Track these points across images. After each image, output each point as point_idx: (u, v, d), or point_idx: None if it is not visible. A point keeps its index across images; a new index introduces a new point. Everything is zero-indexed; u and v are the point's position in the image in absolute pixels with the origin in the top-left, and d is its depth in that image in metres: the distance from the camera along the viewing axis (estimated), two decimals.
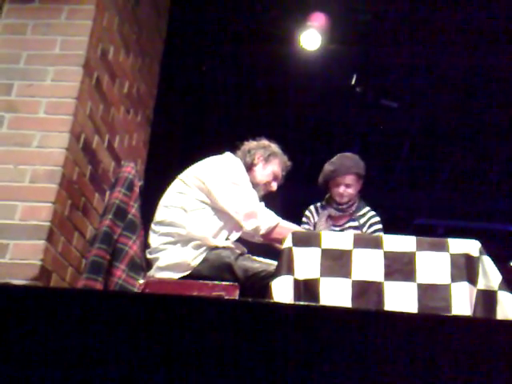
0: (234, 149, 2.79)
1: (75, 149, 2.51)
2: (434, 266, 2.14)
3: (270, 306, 1.68)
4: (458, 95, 5.49)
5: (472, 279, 2.12)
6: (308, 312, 1.55)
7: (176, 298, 1.69)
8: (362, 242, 2.19)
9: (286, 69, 5.18)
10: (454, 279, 2.12)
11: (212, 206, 2.56)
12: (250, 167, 2.72)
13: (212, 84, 5.38)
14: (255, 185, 2.69)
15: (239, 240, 2.65)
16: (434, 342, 1.45)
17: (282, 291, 2.09)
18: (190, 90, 5.17)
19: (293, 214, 2.96)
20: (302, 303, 2.03)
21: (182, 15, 4.24)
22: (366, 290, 2.10)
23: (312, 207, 3.02)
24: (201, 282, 2.40)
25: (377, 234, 2.80)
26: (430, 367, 1.44)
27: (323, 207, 2.99)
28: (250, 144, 2.79)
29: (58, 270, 2.42)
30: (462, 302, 2.08)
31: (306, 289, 2.12)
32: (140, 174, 3.01)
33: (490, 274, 2.11)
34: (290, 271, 2.14)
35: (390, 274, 2.13)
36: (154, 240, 2.56)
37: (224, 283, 2.37)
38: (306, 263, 2.15)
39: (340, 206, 2.92)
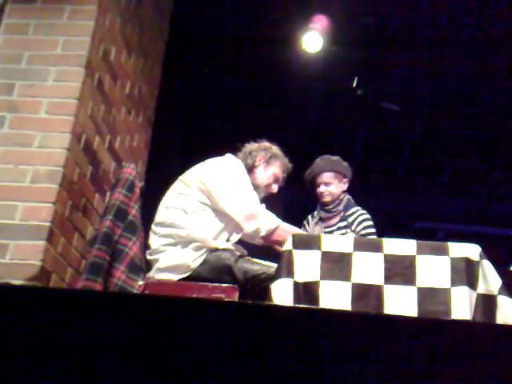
0: (235, 150, 2.79)
1: (76, 149, 2.51)
2: (434, 269, 2.14)
3: (269, 308, 1.68)
4: (459, 99, 5.49)
5: (472, 283, 2.12)
6: (307, 315, 1.55)
7: (175, 300, 1.69)
8: (362, 245, 2.19)
9: (288, 71, 5.18)
10: (453, 283, 2.12)
11: (212, 208, 2.56)
12: (251, 169, 2.72)
13: (213, 86, 5.38)
14: (256, 187, 2.69)
15: (239, 242, 2.65)
16: (434, 346, 1.45)
17: (282, 294, 2.09)
18: (191, 91, 5.17)
19: (293, 216, 2.96)
20: (301, 306, 2.03)
21: (184, 17, 4.25)
22: (366, 293, 2.10)
23: (309, 216, 3.07)
24: (200, 283, 2.39)
25: (367, 230, 2.82)
26: (429, 371, 1.44)
27: (316, 211, 3.03)
28: (251, 146, 2.79)
29: (58, 271, 2.42)
30: (462, 307, 2.08)
31: (306, 291, 2.11)
32: (141, 175, 3.01)
33: (489, 279, 2.11)
34: (290, 274, 2.14)
35: (389, 278, 2.12)
36: (154, 241, 2.55)
37: (224, 285, 2.36)
38: (306, 266, 2.15)
39: (326, 207, 2.95)
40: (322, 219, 2.97)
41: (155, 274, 2.51)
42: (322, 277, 2.13)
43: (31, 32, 2.62)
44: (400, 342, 1.46)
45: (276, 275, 2.17)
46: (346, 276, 2.13)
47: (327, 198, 2.94)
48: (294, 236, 2.25)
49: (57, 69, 2.55)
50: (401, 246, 2.19)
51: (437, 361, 1.44)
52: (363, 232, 2.82)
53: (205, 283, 2.38)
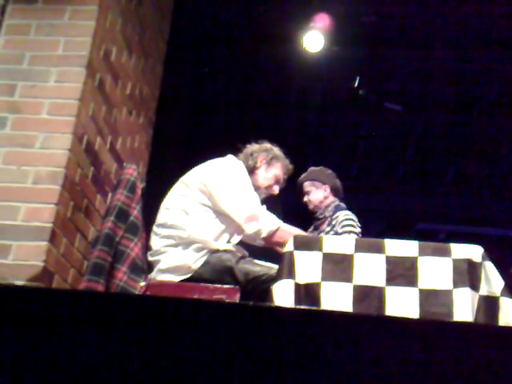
0: (236, 151, 2.78)
1: (78, 150, 2.51)
2: (435, 271, 2.13)
3: (270, 309, 1.68)
4: (461, 99, 5.48)
5: (474, 285, 2.11)
6: (309, 316, 1.54)
7: (177, 301, 1.68)
8: (364, 246, 2.19)
9: (289, 71, 5.17)
10: (456, 285, 2.11)
11: (213, 209, 2.56)
12: (252, 170, 2.72)
13: (214, 86, 5.38)
14: (257, 188, 2.68)
15: (240, 243, 2.65)
16: (435, 347, 1.45)
17: (283, 295, 2.09)
18: (193, 91, 5.17)
19: (294, 217, 2.96)
20: (302, 307, 2.03)
21: (185, 17, 4.24)
22: (368, 295, 2.09)
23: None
24: (202, 284, 2.39)
25: (345, 229, 2.94)
26: (430, 373, 1.44)
27: None
28: (253, 147, 2.79)
29: (60, 272, 2.42)
30: (464, 308, 2.07)
31: (307, 293, 2.11)
32: (142, 176, 3.01)
33: (492, 280, 2.10)
34: (291, 275, 2.14)
35: (391, 279, 2.12)
36: (155, 242, 2.55)
37: (225, 286, 2.36)
38: (307, 267, 2.15)
39: (314, 215, 3.16)
40: (315, 227, 3.13)
41: (157, 275, 2.51)
42: (324, 278, 2.12)
43: (32, 33, 2.62)
44: (402, 344, 1.46)
45: (277, 276, 2.16)
46: (347, 277, 2.12)
47: (310, 206, 3.17)
48: (295, 237, 2.24)
49: (58, 69, 2.55)
50: (403, 248, 2.18)
51: (438, 363, 1.44)
52: (341, 231, 2.92)
53: (206, 284, 2.38)
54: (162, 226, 2.55)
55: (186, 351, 1.44)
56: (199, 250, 2.48)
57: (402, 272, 2.13)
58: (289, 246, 2.20)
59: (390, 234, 2.88)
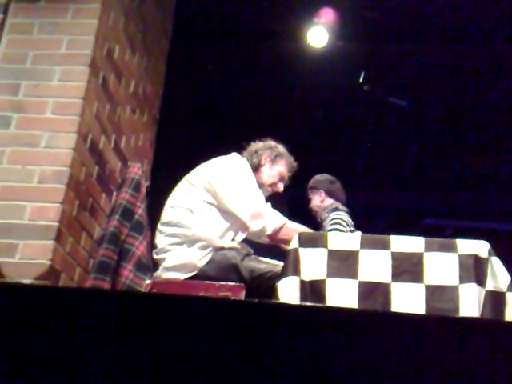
0: (240, 149, 2.78)
1: (82, 149, 2.51)
2: (442, 267, 2.12)
3: (276, 306, 1.67)
4: (467, 94, 5.45)
5: (480, 280, 2.10)
6: (314, 313, 1.54)
7: (182, 299, 1.69)
8: (369, 242, 2.18)
9: (293, 66, 5.15)
10: (462, 280, 2.10)
11: (218, 207, 2.56)
12: (256, 168, 2.72)
13: (218, 83, 5.37)
14: (261, 186, 2.68)
15: (245, 241, 2.65)
16: (441, 343, 1.44)
17: (288, 292, 2.09)
18: (196, 88, 5.17)
19: (299, 215, 2.96)
20: (308, 304, 2.02)
21: (187, 14, 4.24)
22: (373, 291, 2.09)
23: None
24: (207, 282, 2.39)
25: (332, 227, 3.10)
26: (437, 369, 1.43)
27: None
28: (257, 145, 2.79)
29: (67, 270, 2.43)
30: (470, 304, 2.06)
31: (313, 290, 2.11)
32: (146, 174, 3.01)
33: (498, 275, 2.09)
34: (297, 272, 2.13)
35: (397, 275, 2.11)
36: (160, 240, 2.56)
37: (230, 284, 2.36)
38: (313, 264, 2.14)
39: (316, 218, 3.38)
40: (316, 230, 3.24)
41: (162, 273, 2.51)
42: (329, 275, 2.12)
43: (35, 32, 2.62)
44: (408, 340, 1.45)
45: (282, 273, 2.16)
46: (352, 274, 2.12)
47: (312, 212, 3.41)
48: (300, 234, 2.24)
49: (62, 68, 2.56)
50: (408, 244, 2.18)
51: (445, 358, 1.43)
52: (327, 229, 3.09)
53: (211, 282, 2.38)
54: (167, 224, 2.56)
55: (192, 348, 1.44)
56: (204, 247, 2.49)
57: (407, 268, 2.12)
58: (294, 243, 2.20)
59: (395, 230, 2.87)
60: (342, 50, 4.83)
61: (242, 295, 2.32)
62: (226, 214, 2.55)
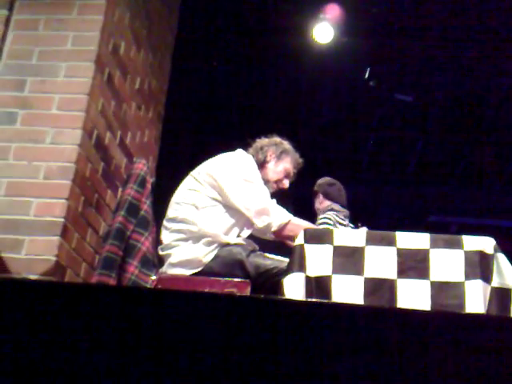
0: (245, 146, 2.78)
1: (88, 145, 2.52)
2: (447, 263, 2.12)
3: (281, 302, 1.67)
4: (473, 89, 5.42)
5: (486, 277, 2.09)
6: (320, 309, 1.54)
7: (188, 295, 1.69)
8: (375, 239, 2.18)
9: (298, 62, 5.14)
10: (467, 277, 2.09)
11: (224, 203, 2.55)
12: (262, 164, 2.71)
13: (223, 79, 5.36)
14: (267, 182, 2.68)
15: (251, 237, 2.65)
16: (447, 340, 1.44)
17: (294, 288, 2.08)
18: (201, 85, 5.16)
19: (304, 211, 2.96)
20: (313, 300, 2.02)
21: (193, 10, 4.23)
22: (379, 288, 2.09)
23: None
24: (212, 278, 2.39)
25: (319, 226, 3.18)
26: (442, 365, 1.43)
27: None
28: (262, 141, 2.78)
29: (73, 266, 2.43)
30: (476, 300, 2.06)
31: (318, 286, 2.10)
32: (152, 170, 3.02)
33: (504, 272, 2.08)
34: (302, 268, 2.13)
35: (402, 272, 2.11)
36: (165, 237, 2.56)
37: (235, 280, 2.36)
38: (318, 260, 2.14)
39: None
40: None
41: (168, 269, 2.51)
42: (334, 271, 2.12)
43: (41, 28, 2.62)
44: (413, 336, 1.45)
45: (288, 270, 2.16)
46: (358, 270, 2.11)
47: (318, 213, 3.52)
48: (305, 230, 2.23)
49: (67, 64, 2.56)
50: (414, 240, 2.17)
51: (450, 355, 1.43)
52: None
53: (217, 278, 2.39)
54: (173, 220, 2.56)
55: (197, 344, 1.45)
56: (209, 243, 2.49)
57: (413, 264, 2.12)
58: (299, 240, 2.19)
59: (401, 226, 2.86)
60: (348, 45, 4.82)
61: (247, 291, 2.32)
62: (231, 210, 2.55)
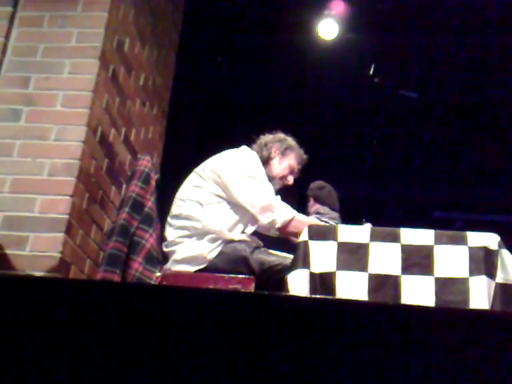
0: (249, 142, 2.78)
1: (92, 142, 2.52)
2: (452, 259, 2.12)
3: (285, 299, 1.67)
4: (478, 86, 5.40)
5: (490, 273, 2.09)
6: (324, 306, 1.54)
7: (192, 291, 1.69)
8: (379, 235, 2.18)
9: (303, 58, 5.13)
10: (472, 273, 2.09)
11: (228, 200, 2.56)
12: (266, 161, 2.71)
13: (227, 75, 5.36)
14: (271, 178, 2.68)
15: (255, 233, 2.65)
16: (451, 336, 1.44)
17: (298, 285, 2.09)
18: (206, 81, 5.16)
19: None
20: (317, 296, 2.02)
21: (198, 6, 4.23)
22: (383, 284, 2.09)
23: None
24: (217, 275, 2.40)
25: None
26: (446, 361, 1.43)
27: None
28: (266, 137, 2.78)
29: (77, 263, 2.44)
30: (480, 296, 2.06)
31: (322, 282, 2.11)
32: (156, 167, 3.02)
33: (508, 268, 2.08)
34: (306, 265, 2.13)
35: (407, 268, 2.11)
36: (170, 233, 2.56)
37: (240, 276, 2.37)
38: (322, 257, 2.14)
39: None
40: None
41: (172, 266, 2.52)
42: (339, 267, 2.12)
43: (45, 24, 2.62)
44: (417, 333, 1.45)
45: (292, 266, 2.16)
46: (362, 266, 2.11)
47: None
48: (309, 227, 2.24)
49: (71, 61, 2.56)
50: (418, 236, 2.17)
51: (454, 351, 1.43)
52: None
53: (221, 274, 2.39)
54: (177, 217, 2.56)
55: (201, 341, 1.45)
56: (214, 240, 2.49)
57: (417, 261, 2.12)
58: (303, 236, 2.20)
59: (405, 223, 2.86)
60: (353, 42, 4.81)
61: (251, 288, 2.32)
62: (235, 206, 2.55)
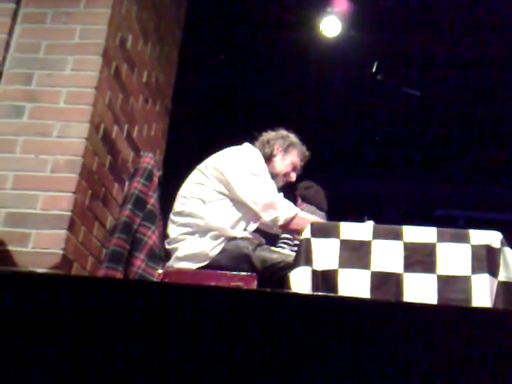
0: (252, 139, 2.77)
1: (95, 139, 2.52)
2: (454, 257, 2.11)
3: (288, 296, 1.67)
4: (480, 83, 5.39)
5: (493, 271, 2.09)
6: (326, 303, 1.54)
7: (194, 288, 1.69)
8: (382, 233, 2.17)
9: (306, 56, 5.13)
10: (474, 271, 2.09)
11: (230, 197, 2.56)
12: (269, 158, 2.71)
13: (230, 72, 5.35)
14: (274, 176, 2.68)
15: (257, 231, 2.65)
16: (454, 334, 1.43)
17: (300, 282, 2.09)
18: (209, 78, 5.15)
19: None
20: (320, 294, 2.02)
21: (200, 3, 4.22)
22: (385, 282, 2.09)
23: None
24: (219, 272, 2.40)
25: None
26: (449, 359, 1.42)
27: None
28: (269, 135, 2.78)
29: (79, 259, 2.44)
30: (483, 294, 2.05)
31: (324, 280, 2.11)
32: (159, 164, 3.02)
33: (511, 266, 2.08)
34: (309, 262, 2.13)
35: (409, 266, 2.11)
36: (172, 230, 2.56)
37: (242, 273, 2.37)
38: (325, 254, 2.14)
39: None
40: None
41: (174, 263, 2.52)
42: (341, 265, 2.12)
43: (48, 21, 2.62)
44: (420, 331, 1.45)
45: (294, 263, 2.16)
46: (364, 264, 2.11)
47: None
48: (312, 224, 2.23)
49: (74, 58, 2.56)
50: (421, 234, 2.17)
51: (457, 349, 1.42)
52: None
53: (223, 272, 2.39)
54: (179, 214, 2.56)
55: (203, 338, 1.45)
56: (216, 237, 2.49)
57: (420, 258, 2.11)
58: (306, 233, 2.19)
59: (407, 220, 2.85)
60: (355, 39, 4.80)
61: (253, 285, 2.32)
62: (238, 204, 2.55)
